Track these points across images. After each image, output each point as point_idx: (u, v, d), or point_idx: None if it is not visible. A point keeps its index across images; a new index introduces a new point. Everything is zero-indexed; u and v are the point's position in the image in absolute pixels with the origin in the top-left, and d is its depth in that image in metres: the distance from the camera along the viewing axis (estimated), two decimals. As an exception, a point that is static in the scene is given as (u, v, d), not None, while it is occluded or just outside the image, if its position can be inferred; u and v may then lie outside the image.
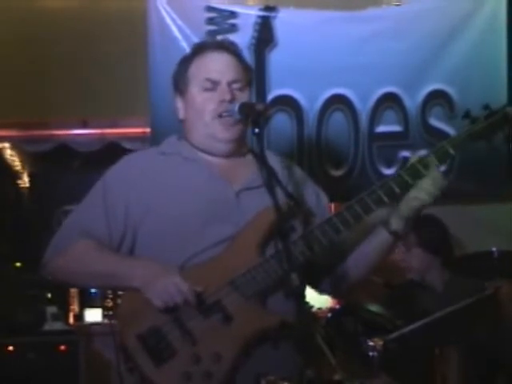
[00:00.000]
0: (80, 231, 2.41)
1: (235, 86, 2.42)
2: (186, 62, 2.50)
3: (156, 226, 2.36)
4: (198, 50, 2.50)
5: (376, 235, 2.43)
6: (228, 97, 2.39)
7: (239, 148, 2.45)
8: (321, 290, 2.56)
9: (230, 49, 2.49)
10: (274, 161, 2.44)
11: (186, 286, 2.22)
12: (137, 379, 2.25)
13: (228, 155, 2.44)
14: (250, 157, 2.45)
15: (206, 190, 2.38)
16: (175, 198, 2.37)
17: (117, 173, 2.48)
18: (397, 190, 2.35)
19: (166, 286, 2.23)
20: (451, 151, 2.37)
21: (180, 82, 2.49)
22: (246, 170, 2.41)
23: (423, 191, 2.33)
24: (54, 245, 2.48)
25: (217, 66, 2.44)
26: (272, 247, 2.28)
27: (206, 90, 2.42)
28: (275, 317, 2.24)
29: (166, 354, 2.22)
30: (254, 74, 2.60)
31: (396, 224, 2.39)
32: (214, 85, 2.42)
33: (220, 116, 2.39)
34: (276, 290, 2.27)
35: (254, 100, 2.55)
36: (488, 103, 2.45)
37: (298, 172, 2.57)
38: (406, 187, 2.35)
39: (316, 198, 2.53)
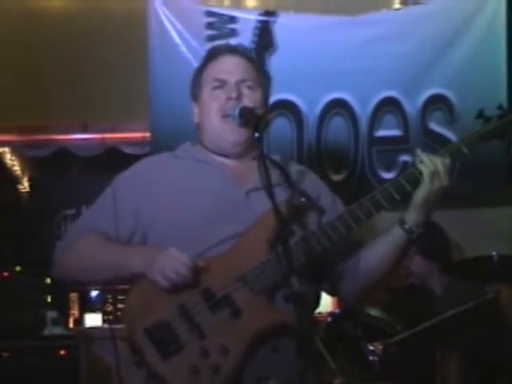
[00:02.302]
0: (88, 231, 2.43)
1: (244, 84, 2.44)
2: (201, 68, 2.54)
3: (166, 225, 2.37)
4: (212, 55, 2.53)
5: (390, 234, 2.41)
6: (234, 94, 2.41)
7: (250, 150, 2.45)
8: (333, 292, 2.56)
9: (242, 52, 2.52)
10: (289, 165, 2.48)
11: (184, 255, 2.23)
12: (144, 373, 2.25)
13: (238, 156, 2.46)
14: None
15: (216, 189, 2.40)
16: (185, 198, 2.39)
17: (128, 175, 2.51)
18: (408, 187, 2.34)
19: (166, 262, 2.23)
20: (465, 150, 2.37)
21: (195, 88, 2.52)
22: (258, 172, 2.41)
23: (432, 179, 2.31)
24: (62, 245, 2.51)
25: (226, 66, 2.48)
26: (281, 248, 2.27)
27: (214, 88, 2.45)
28: (283, 313, 2.24)
29: (174, 347, 2.22)
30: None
31: (410, 218, 2.36)
32: (221, 83, 2.44)
33: (225, 116, 2.40)
34: (285, 286, 2.26)
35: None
36: (502, 104, 2.45)
37: (313, 177, 2.58)
38: (417, 184, 2.34)
39: (331, 202, 2.52)
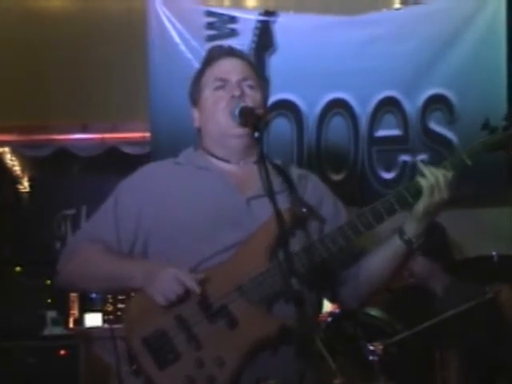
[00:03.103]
0: (90, 239, 2.44)
1: (245, 83, 2.45)
2: (200, 72, 2.54)
3: (167, 232, 2.37)
4: (210, 59, 2.54)
5: (390, 244, 2.40)
6: (237, 92, 2.41)
7: (252, 151, 2.44)
8: (334, 299, 2.56)
9: (240, 55, 2.53)
10: (290, 170, 2.47)
11: (183, 275, 2.23)
12: (142, 382, 2.25)
13: (241, 153, 2.44)
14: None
15: (218, 196, 2.40)
16: (186, 205, 2.39)
17: (130, 183, 2.51)
18: (410, 199, 2.32)
19: (164, 280, 2.24)
20: (468, 162, 2.34)
21: (195, 93, 2.53)
22: (259, 178, 2.40)
23: (432, 192, 2.30)
24: (65, 253, 2.52)
25: (226, 67, 2.48)
26: (282, 253, 2.27)
27: (216, 88, 2.46)
28: (281, 321, 2.23)
29: (170, 357, 2.23)
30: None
31: (410, 229, 2.35)
32: (223, 82, 2.45)
33: (229, 114, 2.40)
34: (283, 296, 2.26)
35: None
36: (507, 113, 2.43)
37: (315, 182, 2.57)
38: (418, 195, 2.32)
39: (333, 208, 2.51)
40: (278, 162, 2.47)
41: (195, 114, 2.53)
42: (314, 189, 2.51)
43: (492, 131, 2.37)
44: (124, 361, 2.31)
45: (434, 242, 3.91)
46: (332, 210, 2.49)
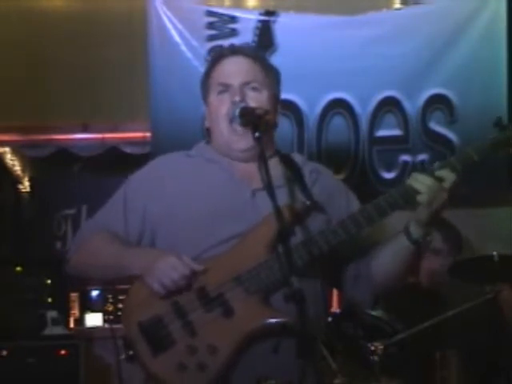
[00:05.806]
0: (99, 229, 2.47)
1: (248, 86, 2.44)
2: (207, 72, 2.54)
3: (173, 223, 2.39)
4: (217, 58, 2.53)
5: (397, 242, 2.40)
6: (238, 98, 2.40)
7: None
8: (346, 293, 2.56)
9: (247, 53, 2.51)
10: (301, 164, 2.47)
11: (179, 262, 2.25)
12: (138, 368, 2.28)
13: (248, 161, 2.44)
14: (275, 159, 2.44)
15: (223, 188, 2.41)
16: (192, 197, 2.41)
17: (140, 175, 2.54)
18: (414, 194, 2.30)
19: (160, 267, 2.26)
20: (476, 157, 2.33)
21: (204, 92, 2.53)
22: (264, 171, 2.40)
23: (431, 204, 2.29)
24: (74, 242, 2.56)
25: (230, 69, 2.47)
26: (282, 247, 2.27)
27: (220, 93, 2.45)
28: (277, 315, 2.24)
29: (165, 343, 2.25)
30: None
31: (415, 232, 2.35)
32: (226, 88, 2.44)
33: (232, 121, 2.39)
34: (280, 288, 2.26)
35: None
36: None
37: (329, 177, 2.58)
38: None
39: (346, 204, 2.50)
40: (285, 153, 2.47)
41: (206, 112, 2.53)
42: (325, 183, 2.50)
43: (503, 129, 2.37)
44: (122, 347, 2.33)
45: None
46: (344, 206, 2.48)
